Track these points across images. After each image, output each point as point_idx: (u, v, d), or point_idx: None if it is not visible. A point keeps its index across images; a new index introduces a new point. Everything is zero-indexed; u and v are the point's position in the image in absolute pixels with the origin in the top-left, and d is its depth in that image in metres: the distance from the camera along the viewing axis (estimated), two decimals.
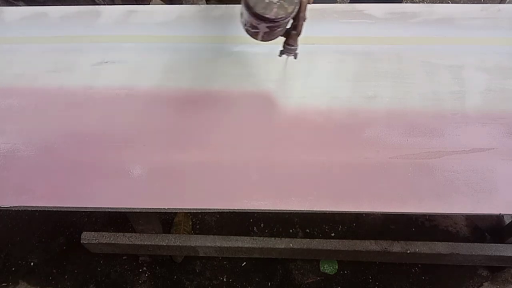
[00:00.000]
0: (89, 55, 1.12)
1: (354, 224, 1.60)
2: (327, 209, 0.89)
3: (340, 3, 1.49)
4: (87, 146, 0.98)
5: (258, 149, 0.96)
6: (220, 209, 0.90)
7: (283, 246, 1.30)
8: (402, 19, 1.14)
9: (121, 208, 0.92)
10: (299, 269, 1.52)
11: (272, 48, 1.11)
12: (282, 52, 0.94)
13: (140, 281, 1.51)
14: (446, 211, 0.88)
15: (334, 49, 1.10)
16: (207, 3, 2.12)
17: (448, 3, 2.30)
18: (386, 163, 0.93)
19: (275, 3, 0.75)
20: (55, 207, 0.91)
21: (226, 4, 1.19)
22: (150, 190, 0.92)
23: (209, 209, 0.91)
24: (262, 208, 0.89)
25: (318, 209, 0.89)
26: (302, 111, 1.01)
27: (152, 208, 0.93)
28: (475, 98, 1.01)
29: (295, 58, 0.94)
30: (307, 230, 1.59)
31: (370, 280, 1.49)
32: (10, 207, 0.91)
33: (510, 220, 1.40)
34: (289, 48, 0.91)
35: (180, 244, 1.32)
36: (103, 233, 1.34)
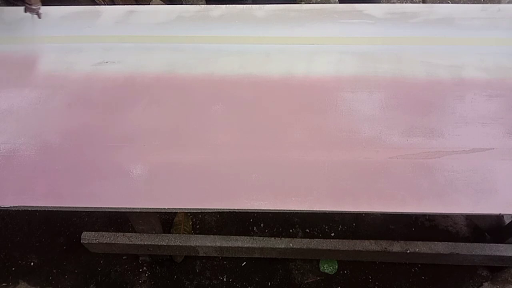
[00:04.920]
0: (89, 55, 1.12)
1: (353, 224, 1.60)
2: (327, 209, 0.89)
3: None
4: (87, 146, 0.98)
5: (258, 149, 0.96)
6: (220, 209, 0.91)
7: (283, 246, 1.30)
8: (402, 19, 1.15)
9: (121, 208, 0.92)
10: (299, 269, 1.52)
11: (273, 47, 1.11)
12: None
13: (140, 281, 1.51)
14: (446, 211, 0.89)
15: (334, 49, 1.10)
16: (207, 3, 2.12)
17: (448, 3, 2.30)
18: (386, 163, 0.93)
19: None
20: (55, 207, 0.91)
21: (226, 4, 1.20)
22: (150, 190, 0.92)
23: (209, 209, 0.91)
24: (262, 208, 0.89)
25: (317, 209, 0.89)
26: (302, 110, 1.01)
27: (152, 208, 0.93)
28: (474, 97, 1.01)
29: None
30: (307, 230, 1.59)
31: (370, 280, 1.49)
32: (10, 207, 0.91)
33: (510, 220, 1.40)
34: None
35: (180, 244, 1.32)
36: (103, 233, 1.34)
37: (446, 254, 1.28)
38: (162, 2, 2.10)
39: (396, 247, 1.29)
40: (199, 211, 0.93)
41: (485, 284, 1.47)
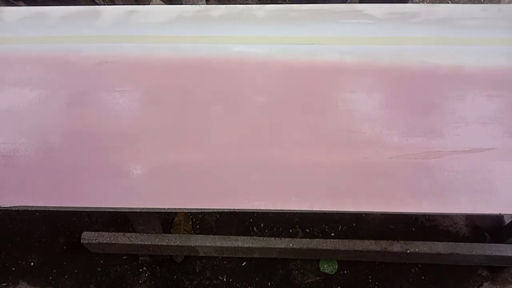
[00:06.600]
0: (89, 55, 1.12)
1: (354, 224, 1.60)
2: (327, 209, 0.89)
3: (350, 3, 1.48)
4: (87, 146, 0.98)
5: (258, 149, 0.96)
6: (220, 209, 0.91)
7: (283, 246, 1.30)
8: (402, 19, 1.14)
9: (121, 208, 0.92)
10: (299, 269, 1.52)
11: (273, 47, 1.11)
12: None
13: (140, 281, 1.51)
14: (446, 211, 0.89)
15: (334, 49, 1.10)
16: (207, 3, 2.12)
17: (448, 3, 2.30)
18: (386, 163, 0.93)
19: None
20: (55, 207, 0.91)
21: (226, 4, 1.20)
22: (150, 190, 0.92)
23: (209, 209, 0.91)
24: (262, 208, 0.89)
25: (317, 209, 0.89)
26: (302, 110, 1.01)
27: (152, 208, 0.93)
28: (474, 97, 1.01)
29: None
30: (307, 230, 1.59)
31: (370, 280, 1.49)
32: (10, 207, 0.91)
33: (510, 220, 1.40)
34: None
35: (180, 244, 1.32)
36: (103, 233, 1.34)
37: (446, 254, 1.28)
38: (162, 2, 2.10)
39: (396, 247, 1.29)
40: (199, 211, 0.93)
41: (485, 284, 1.47)
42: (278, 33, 1.13)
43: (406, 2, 1.82)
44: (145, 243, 1.32)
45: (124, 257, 1.55)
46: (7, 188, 0.93)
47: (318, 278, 1.50)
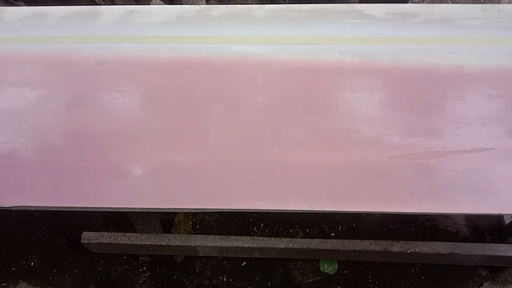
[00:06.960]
0: (89, 55, 1.12)
1: (353, 224, 1.60)
2: (327, 209, 0.89)
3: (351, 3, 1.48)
4: (87, 146, 0.98)
5: (258, 149, 0.96)
6: (220, 209, 0.91)
7: (283, 246, 1.30)
8: (402, 19, 1.14)
9: (121, 208, 0.92)
10: (299, 269, 1.52)
11: (273, 47, 1.11)
12: None
13: (140, 281, 1.51)
14: (446, 211, 0.89)
15: (334, 49, 1.10)
16: (207, 3, 2.12)
17: (448, 3, 2.30)
18: (386, 163, 0.93)
19: None
20: (55, 207, 0.91)
21: (226, 4, 1.20)
22: (150, 190, 0.92)
23: (209, 209, 0.91)
24: (262, 208, 0.89)
25: (317, 209, 0.89)
26: (302, 110, 1.01)
27: (152, 208, 0.93)
28: (474, 97, 1.01)
29: None
30: (307, 230, 1.59)
31: (370, 280, 1.49)
32: (10, 207, 0.91)
33: (510, 220, 1.40)
34: None
35: (180, 244, 1.32)
36: (103, 233, 1.34)
37: (446, 254, 1.28)
38: (162, 2, 2.09)
39: (396, 247, 1.29)
40: (199, 211, 0.93)
41: (485, 284, 1.47)
42: (278, 33, 1.13)
43: (406, 2, 1.82)
44: (145, 243, 1.32)
45: (124, 257, 1.55)
46: (7, 188, 0.93)
47: (318, 278, 1.50)
